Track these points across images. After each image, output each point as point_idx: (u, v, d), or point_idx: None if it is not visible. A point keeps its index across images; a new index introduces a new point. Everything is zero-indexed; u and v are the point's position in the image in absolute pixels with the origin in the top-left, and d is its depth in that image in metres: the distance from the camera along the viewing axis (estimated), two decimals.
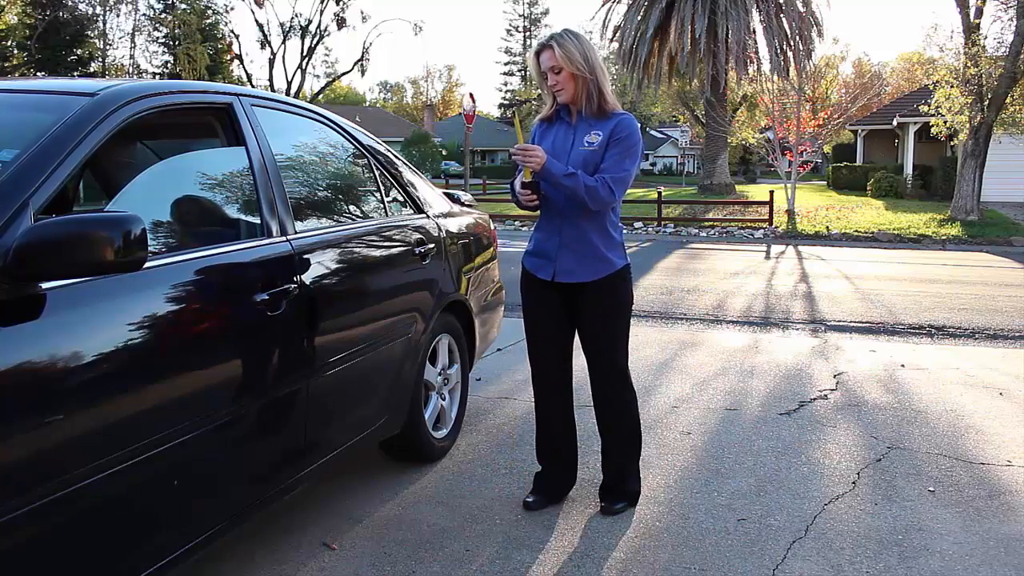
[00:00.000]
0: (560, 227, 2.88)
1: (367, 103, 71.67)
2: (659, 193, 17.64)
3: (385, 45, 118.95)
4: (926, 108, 16.36)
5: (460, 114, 32.14)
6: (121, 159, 2.85)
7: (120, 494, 1.83)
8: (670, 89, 30.83)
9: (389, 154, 3.55)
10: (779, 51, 22.86)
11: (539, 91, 3.12)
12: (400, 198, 3.48)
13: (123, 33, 58.05)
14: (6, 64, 34.83)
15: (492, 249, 4.17)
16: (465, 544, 2.74)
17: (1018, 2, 14.98)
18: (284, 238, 2.48)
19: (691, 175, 45.07)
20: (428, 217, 3.53)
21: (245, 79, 29.92)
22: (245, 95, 2.64)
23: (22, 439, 1.59)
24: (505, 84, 70.24)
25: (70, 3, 38.60)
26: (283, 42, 27.60)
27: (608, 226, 2.89)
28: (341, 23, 26.79)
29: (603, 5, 26.19)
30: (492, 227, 4.28)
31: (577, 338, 3.04)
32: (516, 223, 17.07)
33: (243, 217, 2.47)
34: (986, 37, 15.96)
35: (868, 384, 4.80)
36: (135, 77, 40.74)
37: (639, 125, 2.97)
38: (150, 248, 1.81)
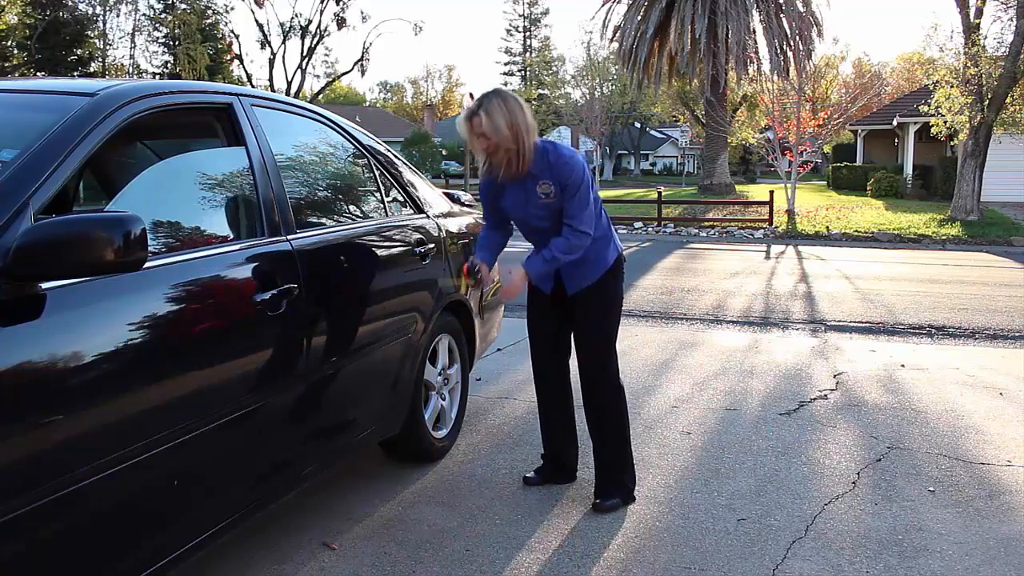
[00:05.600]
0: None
1: (367, 103, 71.64)
2: (659, 193, 17.62)
3: (385, 45, 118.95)
4: (926, 108, 16.36)
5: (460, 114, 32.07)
6: (121, 159, 2.85)
7: (120, 494, 1.83)
8: (670, 89, 30.82)
9: (389, 154, 3.55)
10: (779, 51, 22.86)
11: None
12: (400, 198, 3.48)
13: (123, 33, 58.13)
14: (6, 64, 34.80)
15: None
16: (465, 544, 2.74)
17: (1018, 2, 14.98)
18: (284, 238, 2.48)
19: (691, 175, 45.07)
20: (428, 217, 3.53)
21: (245, 79, 29.87)
22: (245, 95, 2.64)
23: (22, 439, 1.58)
24: (505, 84, 70.03)
25: (70, 3, 38.58)
26: (283, 42, 27.53)
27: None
28: (341, 23, 26.73)
29: (603, 5, 26.20)
30: None
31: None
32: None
33: (243, 217, 2.47)
34: (986, 37, 15.98)
35: (868, 384, 4.80)
36: (135, 77, 40.74)
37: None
38: (150, 248, 1.81)
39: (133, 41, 45.94)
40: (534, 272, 2.89)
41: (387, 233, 3.16)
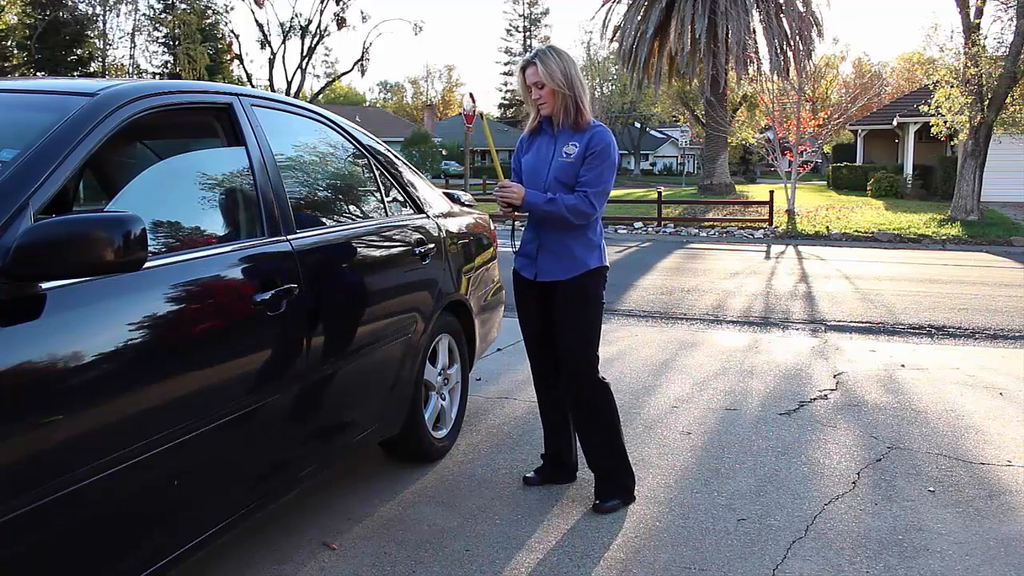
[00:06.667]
0: (540, 230, 3.06)
1: (367, 103, 71.69)
2: (659, 193, 17.61)
3: (385, 45, 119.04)
4: (926, 108, 16.36)
5: (460, 114, 32.14)
6: (121, 159, 2.85)
7: (120, 493, 1.83)
8: (670, 89, 30.84)
9: (389, 154, 3.55)
10: (779, 51, 22.86)
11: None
12: (400, 198, 3.48)
13: (123, 33, 58.13)
14: (6, 64, 34.82)
15: (492, 249, 4.17)
16: (465, 544, 2.74)
17: (1018, 2, 14.98)
18: (284, 238, 2.48)
19: (691, 175, 45.08)
20: (428, 217, 3.53)
21: (245, 79, 29.89)
22: (245, 95, 2.64)
23: (22, 439, 1.58)
24: (505, 84, 70.10)
25: (70, 3, 38.59)
26: (283, 42, 27.57)
27: (586, 229, 3.01)
28: (341, 23, 26.76)
29: (603, 5, 26.21)
30: (492, 227, 4.28)
31: None
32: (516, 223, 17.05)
33: (243, 217, 2.47)
34: (986, 37, 15.97)
35: (868, 384, 4.80)
36: (135, 77, 40.73)
37: (618, 134, 3.04)
38: (150, 248, 1.81)
39: (133, 41, 45.98)
40: (530, 199, 2.92)
41: (387, 233, 3.16)
